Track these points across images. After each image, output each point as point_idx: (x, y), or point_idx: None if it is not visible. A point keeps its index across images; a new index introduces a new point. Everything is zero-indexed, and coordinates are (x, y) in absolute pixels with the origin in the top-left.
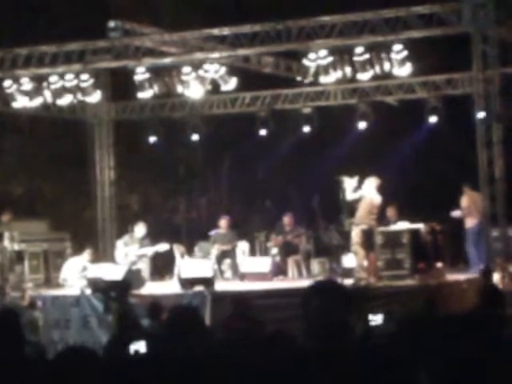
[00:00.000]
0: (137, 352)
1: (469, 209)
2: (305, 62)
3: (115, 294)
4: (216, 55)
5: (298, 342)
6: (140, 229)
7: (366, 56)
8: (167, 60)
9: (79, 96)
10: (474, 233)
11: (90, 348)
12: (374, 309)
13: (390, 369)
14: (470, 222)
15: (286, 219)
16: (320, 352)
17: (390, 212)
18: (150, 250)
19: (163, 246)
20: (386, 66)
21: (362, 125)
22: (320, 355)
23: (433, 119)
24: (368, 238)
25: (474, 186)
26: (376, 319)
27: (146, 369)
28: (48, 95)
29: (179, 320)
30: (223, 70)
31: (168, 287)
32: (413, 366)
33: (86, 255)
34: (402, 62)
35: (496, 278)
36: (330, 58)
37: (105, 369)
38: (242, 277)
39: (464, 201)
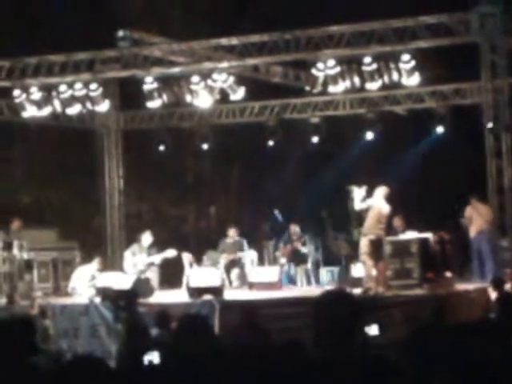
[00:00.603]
0: (151, 363)
1: (470, 219)
2: (313, 71)
3: (124, 303)
4: (225, 65)
5: (308, 351)
6: (147, 238)
7: (375, 66)
8: (176, 69)
9: (88, 105)
10: (475, 243)
11: (99, 357)
12: (381, 318)
13: (399, 378)
14: (472, 233)
15: (292, 228)
16: (329, 362)
17: (397, 222)
18: (158, 257)
19: (171, 252)
20: (395, 75)
21: (370, 134)
22: (329, 365)
23: (441, 129)
24: (376, 247)
25: (481, 197)
26: (371, 330)
27: (161, 379)
28: (57, 104)
29: (189, 329)
30: (232, 79)
31: (176, 296)
32: (422, 376)
33: (95, 264)
34: (411, 71)
35: (506, 287)
36: (339, 68)
37: (119, 379)
38: (251, 286)
39: (467, 211)
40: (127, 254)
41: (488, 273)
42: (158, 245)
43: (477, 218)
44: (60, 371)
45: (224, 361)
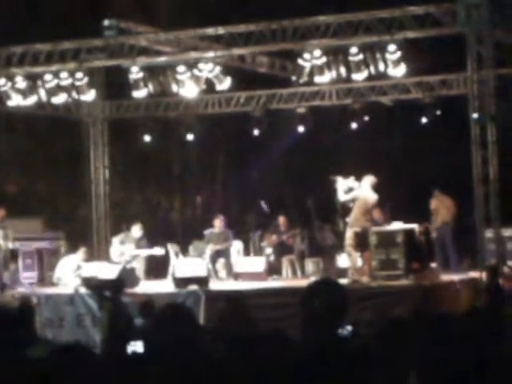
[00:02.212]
0: (134, 352)
1: (436, 210)
2: (300, 61)
3: (109, 292)
4: (211, 54)
5: (294, 340)
6: (137, 230)
7: (361, 56)
8: (162, 59)
9: (74, 95)
10: (439, 233)
11: (85, 345)
12: (365, 309)
13: (381, 368)
14: (437, 223)
15: (281, 219)
16: (317, 351)
17: (377, 214)
18: (145, 253)
19: (158, 250)
20: (381, 66)
21: (356, 125)
22: (317, 355)
23: (426, 120)
24: (361, 239)
25: (443, 190)
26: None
27: (144, 368)
28: (43, 94)
29: (170, 317)
30: (218, 69)
31: (162, 286)
32: (403, 366)
33: (81, 254)
34: (397, 62)
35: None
36: (325, 58)
37: (103, 368)
38: (236, 276)
39: (432, 203)
40: (115, 241)
41: (451, 262)
42: (145, 235)
43: (441, 210)
44: (47, 359)
45: (207, 349)
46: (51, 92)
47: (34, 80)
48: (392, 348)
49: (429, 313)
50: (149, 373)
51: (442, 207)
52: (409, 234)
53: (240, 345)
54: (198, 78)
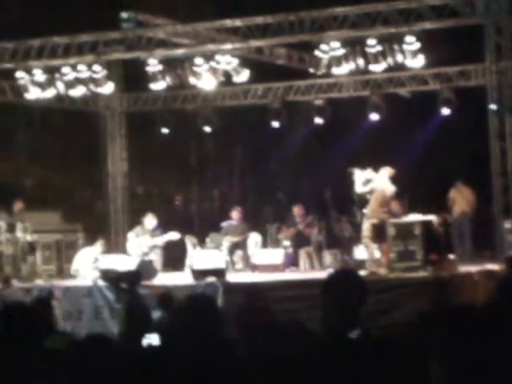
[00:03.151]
0: (150, 345)
1: (453, 201)
2: (317, 53)
3: (125, 284)
4: (228, 46)
5: (312, 331)
6: (150, 220)
7: (379, 47)
8: (180, 51)
9: (92, 87)
10: (457, 223)
11: (107, 337)
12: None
13: (403, 359)
14: (455, 214)
15: (296, 210)
16: (335, 342)
17: (395, 206)
18: (161, 240)
19: (174, 235)
20: (399, 57)
21: (374, 116)
22: (338, 346)
23: (445, 111)
24: (379, 231)
25: (467, 182)
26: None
27: (160, 360)
28: (60, 86)
29: (195, 308)
30: (236, 61)
31: (180, 278)
32: (425, 357)
33: (99, 246)
34: (415, 53)
35: None
36: (343, 50)
37: (120, 360)
38: (254, 268)
39: (451, 193)
40: (131, 235)
41: (467, 252)
42: (162, 227)
43: (460, 200)
44: (75, 351)
45: (229, 342)
46: (69, 85)
47: (52, 73)
48: (414, 338)
49: (447, 304)
50: (167, 365)
51: (460, 198)
52: (427, 225)
53: (260, 337)
54: (215, 70)
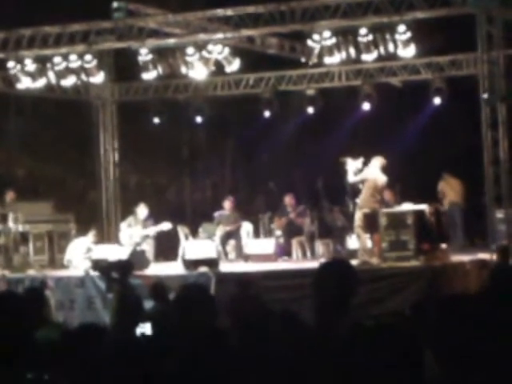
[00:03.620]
0: (143, 334)
1: (443, 193)
2: (309, 42)
3: (117, 274)
4: (220, 36)
5: (303, 321)
6: (142, 210)
7: (370, 37)
8: (171, 41)
9: (83, 77)
10: (448, 214)
11: (100, 326)
12: (375, 290)
13: (395, 349)
14: (446, 205)
15: (287, 199)
16: (331, 333)
17: (388, 195)
18: (153, 230)
19: (166, 225)
20: (391, 47)
21: (366, 106)
22: (331, 336)
23: (437, 100)
24: (371, 220)
25: (454, 171)
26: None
27: (153, 350)
28: (52, 76)
29: (189, 297)
30: (227, 51)
31: (172, 268)
32: (418, 346)
33: (91, 236)
34: (407, 42)
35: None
36: (334, 39)
37: (112, 350)
38: (247, 258)
39: (440, 185)
40: (123, 225)
41: (459, 242)
42: (154, 217)
43: (449, 192)
44: (68, 340)
45: (222, 332)
46: (60, 74)
47: (43, 63)
48: (407, 327)
49: (439, 293)
50: (160, 354)
51: (449, 189)
52: (419, 214)
53: (251, 326)
54: (206, 59)
